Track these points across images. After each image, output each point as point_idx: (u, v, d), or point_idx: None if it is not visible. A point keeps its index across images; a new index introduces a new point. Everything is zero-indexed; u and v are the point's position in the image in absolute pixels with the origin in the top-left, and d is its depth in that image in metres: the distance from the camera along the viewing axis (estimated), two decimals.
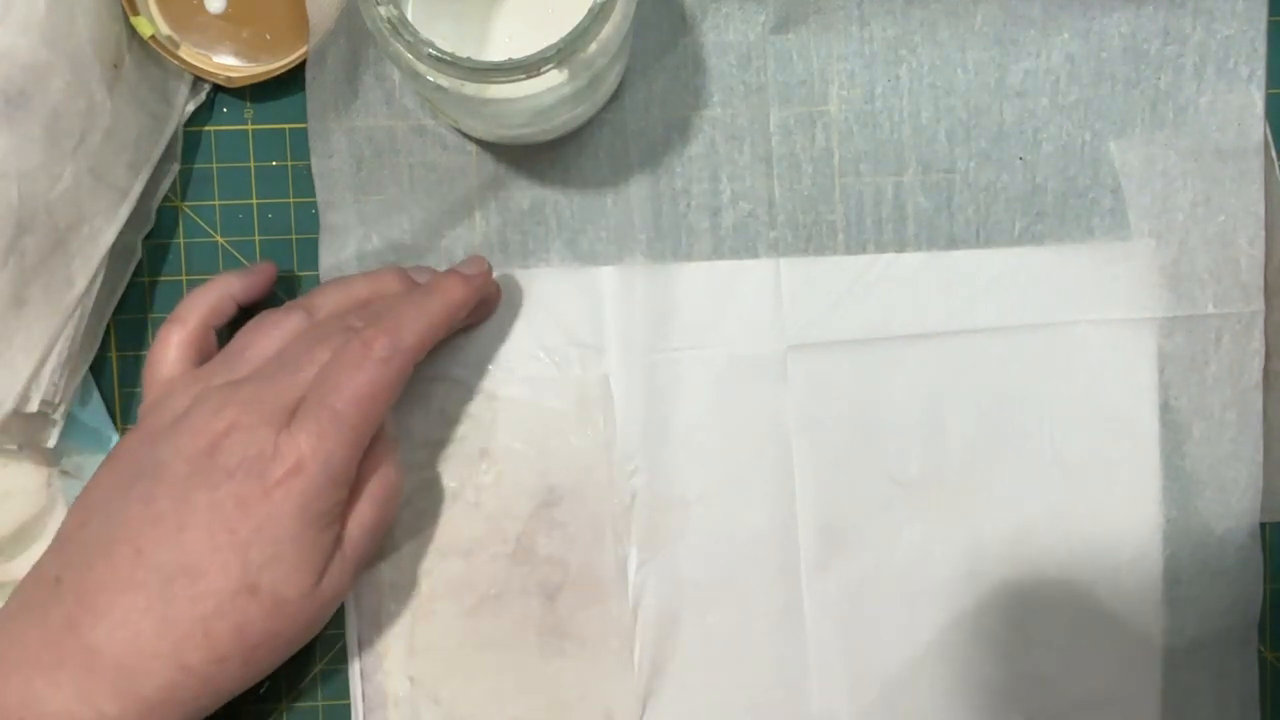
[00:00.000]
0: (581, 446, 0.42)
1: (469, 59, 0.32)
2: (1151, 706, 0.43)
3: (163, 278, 0.42)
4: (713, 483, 0.42)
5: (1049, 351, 0.42)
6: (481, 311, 0.41)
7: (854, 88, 0.42)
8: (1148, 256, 0.42)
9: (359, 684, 0.41)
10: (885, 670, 0.42)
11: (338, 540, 0.36)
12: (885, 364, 0.42)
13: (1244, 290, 0.42)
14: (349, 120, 0.41)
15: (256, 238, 0.42)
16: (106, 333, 0.41)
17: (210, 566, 0.33)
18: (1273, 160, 0.42)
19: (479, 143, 0.41)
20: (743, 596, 0.42)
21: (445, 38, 0.33)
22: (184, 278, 0.42)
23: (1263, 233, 0.42)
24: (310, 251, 0.42)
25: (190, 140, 0.41)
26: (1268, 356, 0.43)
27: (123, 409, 0.42)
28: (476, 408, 0.42)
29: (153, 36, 0.39)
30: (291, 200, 0.42)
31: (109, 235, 0.38)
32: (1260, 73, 0.42)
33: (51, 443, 0.39)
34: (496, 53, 0.36)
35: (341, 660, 0.42)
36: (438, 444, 0.41)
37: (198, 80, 0.41)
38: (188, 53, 0.40)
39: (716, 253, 0.42)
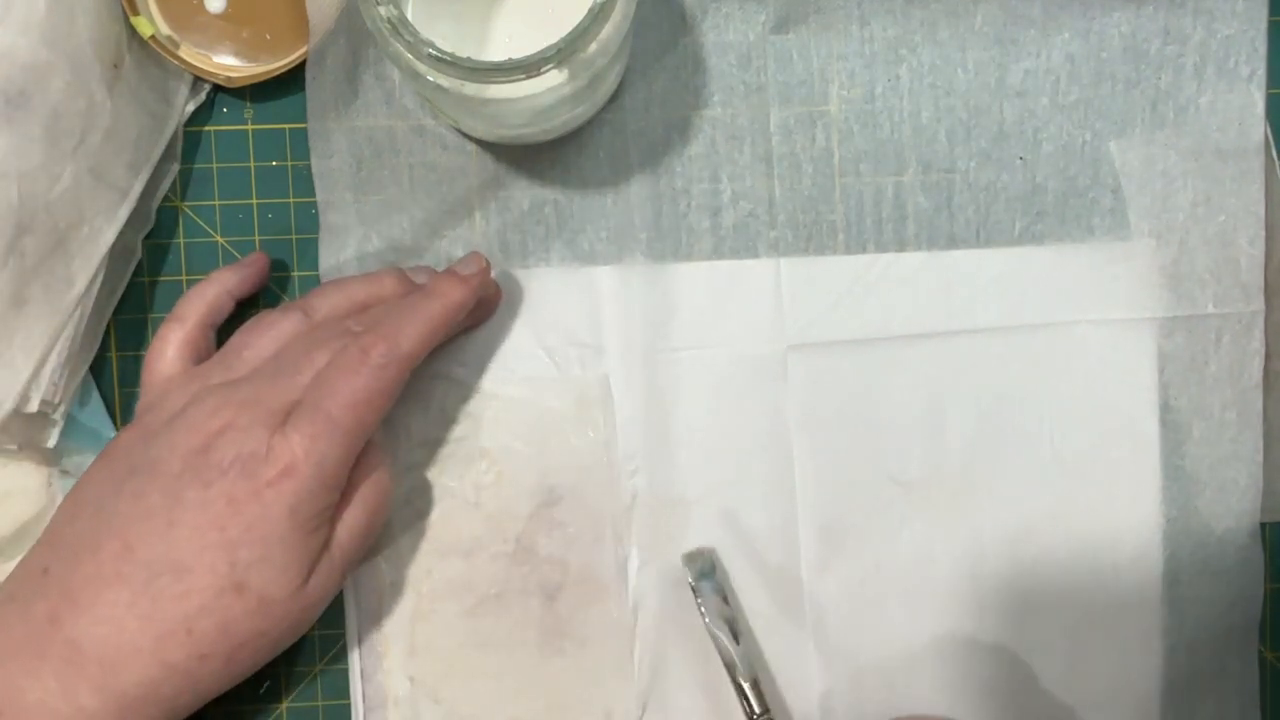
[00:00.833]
0: (581, 446, 0.42)
1: (469, 59, 0.32)
2: (1152, 706, 0.43)
3: (163, 278, 0.42)
4: (713, 483, 0.42)
5: (1049, 351, 0.42)
6: (481, 312, 0.41)
7: (854, 87, 0.42)
8: (1148, 256, 0.42)
9: (359, 684, 0.41)
10: (886, 670, 0.42)
11: (326, 543, 0.36)
12: (885, 364, 0.42)
13: (1244, 290, 0.42)
14: (349, 120, 0.41)
15: (256, 238, 0.42)
16: (106, 333, 0.41)
17: (198, 564, 0.33)
18: (1273, 160, 0.42)
19: (479, 143, 0.41)
20: (743, 596, 0.42)
21: (445, 38, 0.33)
22: (184, 278, 0.42)
23: (1263, 232, 0.42)
24: (310, 251, 0.42)
25: (190, 140, 0.41)
26: (1268, 356, 0.43)
27: (123, 409, 0.42)
28: (476, 407, 0.42)
29: (153, 36, 0.39)
30: (291, 200, 0.42)
31: (109, 235, 0.38)
32: (1260, 72, 0.42)
33: (51, 443, 0.39)
34: (496, 53, 0.36)
35: (341, 660, 0.42)
36: (437, 443, 0.41)
37: (198, 80, 0.41)
38: (188, 53, 0.40)
39: (717, 252, 0.42)
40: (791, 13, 0.41)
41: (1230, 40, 0.42)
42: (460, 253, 0.41)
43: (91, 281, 0.38)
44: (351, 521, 0.37)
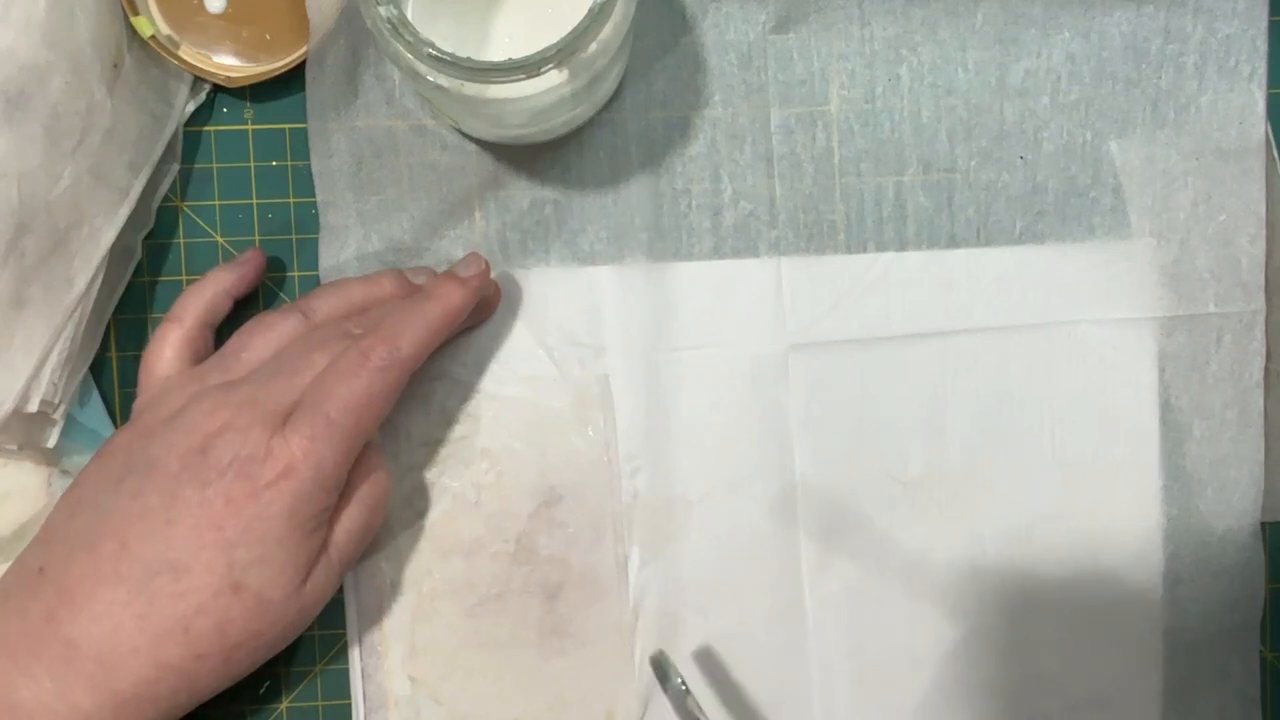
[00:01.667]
0: (582, 446, 0.42)
1: (469, 59, 0.32)
2: (1152, 706, 0.43)
3: (163, 278, 0.42)
4: (714, 482, 0.42)
5: (1050, 351, 0.42)
6: (481, 313, 0.41)
7: (854, 87, 0.42)
8: (1148, 256, 0.42)
9: (360, 684, 0.41)
10: (886, 669, 0.42)
11: (324, 544, 0.36)
12: (886, 363, 0.42)
13: (1245, 289, 0.42)
14: (349, 120, 0.41)
15: (256, 238, 0.42)
16: (106, 333, 0.41)
17: (195, 563, 0.33)
18: (1274, 159, 0.42)
19: (479, 143, 0.41)
20: (744, 596, 0.42)
21: (445, 38, 0.33)
22: (184, 278, 0.42)
23: (1264, 232, 0.42)
24: (310, 251, 0.42)
25: (190, 140, 0.41)
26: (1268, 356, 0.42)
27: (122, 409, 0.42)
28: (477, 407, 0.42)
29: (153, 36, 0.39)
30: (291, 200, 0.42)
31: (109, 235, 0.38)
32: (1261, 71, 0.42)
33: (51, 443, 0.39)
34: (496, 53, 0.36)
35: (341, 660, 0.42)
36: (438, 443, 0.41)
37: (198, 80, 0.41)
38: (188, 53, 0.40)
39: (717, 252, 0.42)
40: (792, 12, 0.41)
41: (1231, 39, 0.42)
42: (460, 253, 0.41)
43: (91, 281, 0.38)
44: (349, 523, 0.37)
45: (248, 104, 0.42)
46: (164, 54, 0.39)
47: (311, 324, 0.38)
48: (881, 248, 0.42)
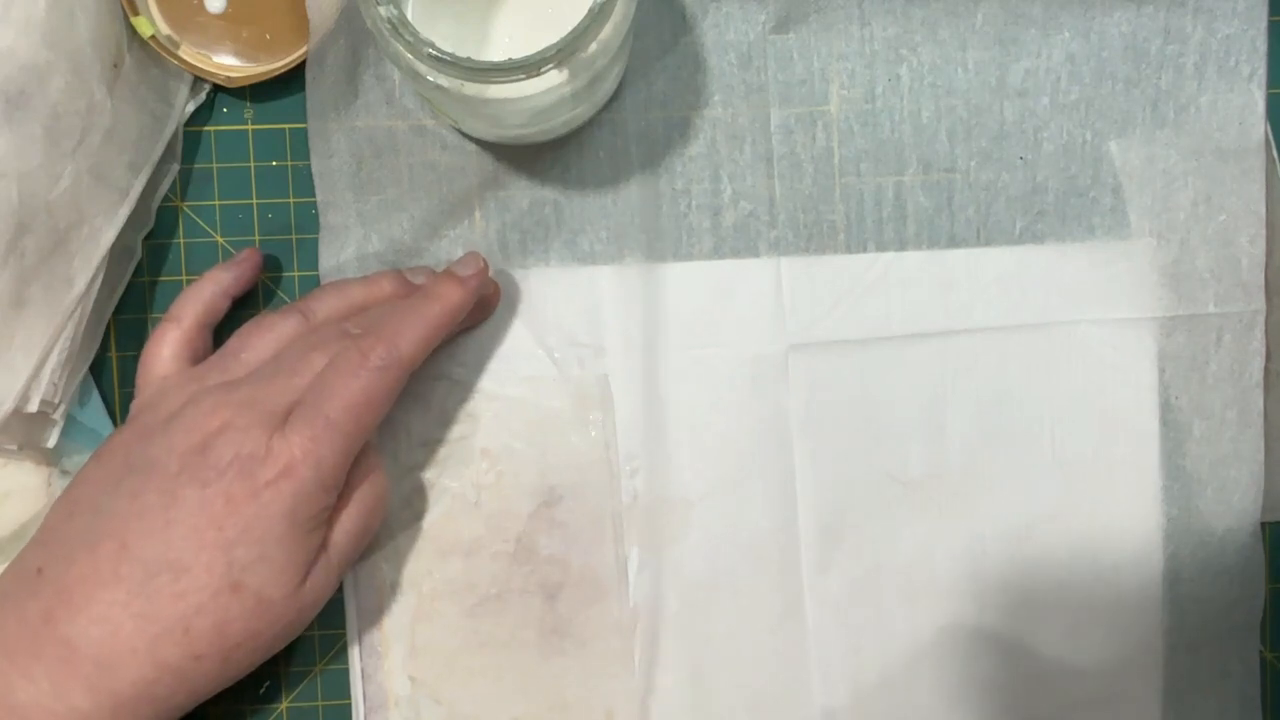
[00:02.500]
0: (581, 446, 0.42)
1: (469, 59, 0.32)
2: (1152, 706, 0.43)
3: (163, 278, 0.42)
4: (714, 482, 0.42)
5: (1049, 351, 0.42)
6: (480, 312, 0.41)
7: (854, 87, 0.42)
8: (1148, 256, 0.42)
9: (360, 684, 0.41)
10: (886, 669, 0.42)
11: (323, 543, 0.36)
12: (886, 363, 0.42)
13: (1245, 289, 0.42)
14: (349, 120, 0.41)
15: (256, 238, 0.42)
16: (106, 333, 0.41)
17: (195, 563, 0.33)
18: (1274, 159, 0.42)
19: (479, 143, 0.41)
20: (744, 596, 0.42)
21: (445, 38, 0.33)
22: (184, 278, 0.42)
23: (1264, 232, 0.42)
24: (310, 251, 0.42)
25: (190, 140, 0.41)
26: (1268, 356, 0.42)
27: (122, 409, 0.42)
28: (476, 407, 0.42)
29: (153, 36, 0.39)
30: (291, 200, 0.42)
31: (109, 235, 0.38)
32: (1261, 72, 0.42)
33: (51, 443, 0.39)
34: (496, 53, 0.36)
35: (341, 660, 0.42)
36: (437, 443, 0.41)
37: (198, 80, 0.41)
38: (188, 53, 0.40)
39: (717, 252, 0.42)
40: (792, 12, 0.41)
41: (1231, 39, 0.42)
42: (460, 253, 0.41)
43: (91, 281, 0.38)
44: (348, 523, 0.37)
45: (248, 104, 0.42)
46: (164, 54, 0.39)
47: (311, 325, 0.38)
48: (881, 248, 0.42)
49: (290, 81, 0.41)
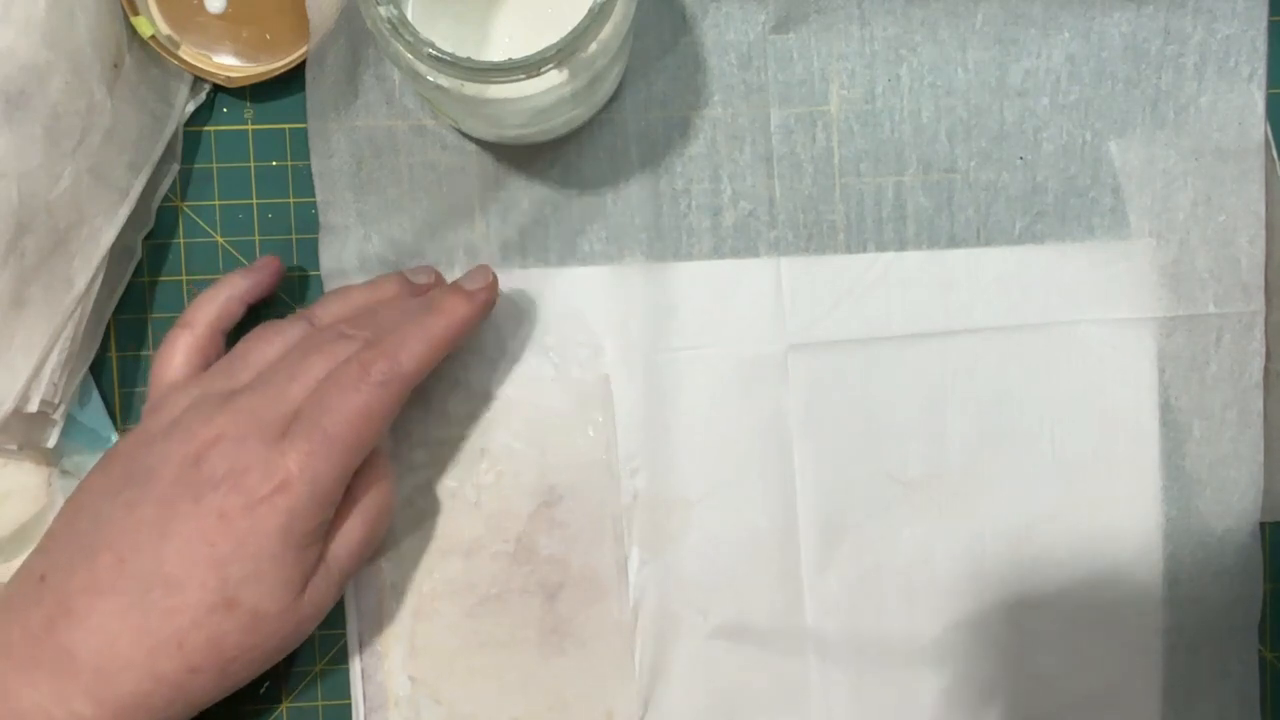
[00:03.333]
0: (582, 446, 0.42)
1: (469, 59, 0.32)
2: (1152, 706, 0.43)
3: (163, 278, 0.42)
4: (714, 482, 0.42)
5: (1049, 351, 0.42)
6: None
7: (854, 87, 0.42)
8: (1148, 256, 0.42)
9: (360, 684, 0.41)
10: (886, 669, 0.42)
11: (321, 555, 0.36)
12: (886, 363, 0.42)
13: (1244, 290, 0.42)
14: (349, 120, 0.41)
15: (256, 238, 0.42)
16: (106, 333, 0.41)
17: (188, 579, 0.33)
18: (1273, 159, 0.42)
19: (479, 143, 0.41)
20: (744, 596, 0.42)
21: (445, 38, 0.33)
22: (184, 278, 0.42)
23: (1263, 232, 0.42)
24: (310, 251, 0.42)
25: (190, 140, 0.41)
26: (1268, 356, 0.43)
27: (123, 409, 0.42)
28: (476, 407, 0.42)
29: (153, 36, 0.39)
30: (291, 200, 0.42)
31: (109, 235, 0.38)
32: (1261, 72, 0.42)
33: (51, 443, 0.39)
34: (496, 53, 0.36)
35: (341, 660, 0.42)
36: (438, 443, 0.41)
37: (198, 80, 0.41)
38: (188, 53, 0.40)
39: (717, 252, 0.42)
40: (792, 12, 0.41)
41: (1230, 40, 0.42)
42: (461, 253, 0.41)
43: (91, 281, 0.38)
44: (350, 534, 0.37)
45: (248, 104, 0.42)
46: (164, 54, 0.39)
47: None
48: (881, 248, 0.42)
49: (290, 81, 0.41)
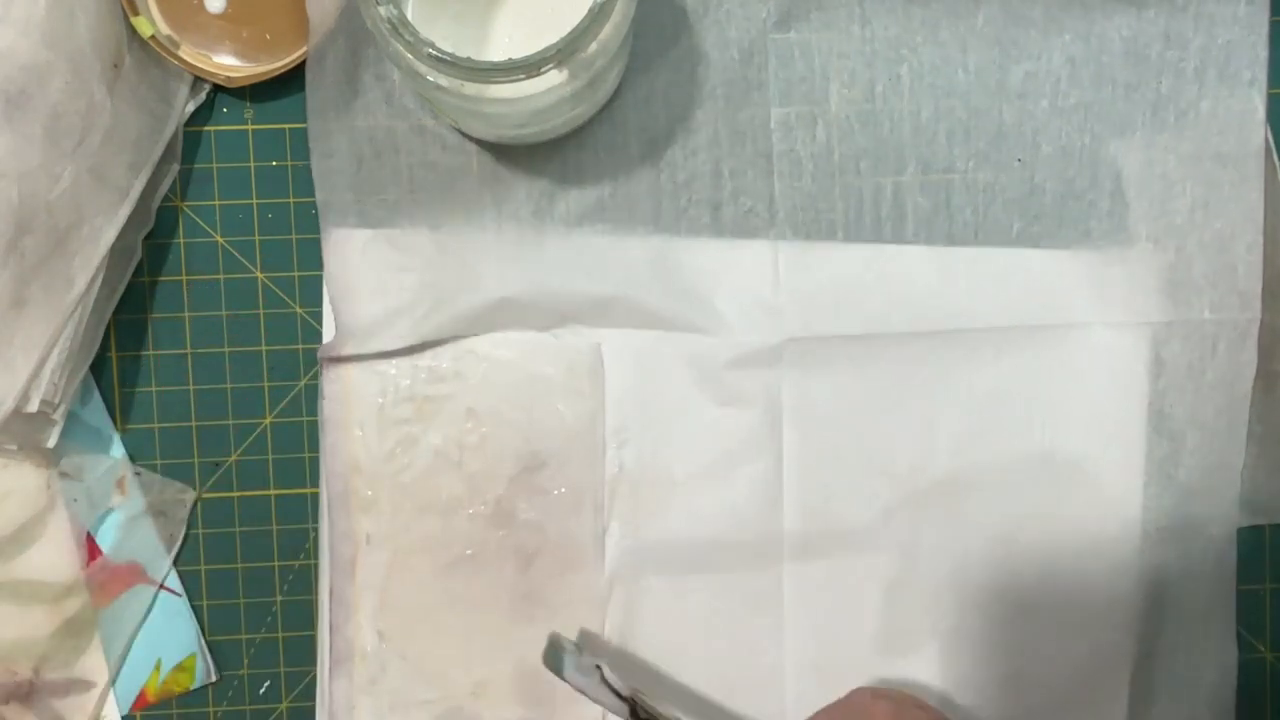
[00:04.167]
0: (569, 414, 0.42)
1: (469, 59, 0.32)
2: (1124, 709, 0.42)
3: (163, 278, 0.42)
4: (701, 464, 0.42)
5: (1043, 353, 0.42)
6: None
7: (855, 86, 0.42)
8: (1145, 261, 0.42)
9: (327, 636, 0.41)
10: (862, 662, 0.42)
11: None
12: (880, 359, 0.42)
13: (1241, 297, 0.42)
14: (349, 120, 0.41)
15: (256, 238, 0.42)
16: (106, 333, 0.41)
17: None
18: (1273, 165, 0.42)
19: (479, 143, 0.41)
20: (721, 578, 0.42)
21: (445, 38, 0.33)
22: (184, 278, 0.42)
23: (1261, 239, 0.42)
24: (310, 251, 0.42)
25: (190, 140, 0.41)
26: (1268, 357, 0.42)
27: (123, 409, 0.42)
28: (466, 366, 0.41)
29: (153, 36, 0.39)
30: (291, 200, 0.42)
31: (109, 235, 0.38)
32: (1261, 77, 0.42)
33: (51, 443, 0.39)
34: (496, 53, 0.36)
35: None
36: (425, 400, 0.41)
37: (198, 80, 0.41)
38: (188, 53, 0.40)
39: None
40: (793, 10, 0.41)
41: (1231, 45, 0.42)
42: (461, 253, 0.41)
43: (91, 281, 0.38)
44: None
45: (248, 104, 0.42)
46: (164, 54, 0.39)
47: None
48: (879, 245, 0.42)
49: (290, 81, 0.41)
